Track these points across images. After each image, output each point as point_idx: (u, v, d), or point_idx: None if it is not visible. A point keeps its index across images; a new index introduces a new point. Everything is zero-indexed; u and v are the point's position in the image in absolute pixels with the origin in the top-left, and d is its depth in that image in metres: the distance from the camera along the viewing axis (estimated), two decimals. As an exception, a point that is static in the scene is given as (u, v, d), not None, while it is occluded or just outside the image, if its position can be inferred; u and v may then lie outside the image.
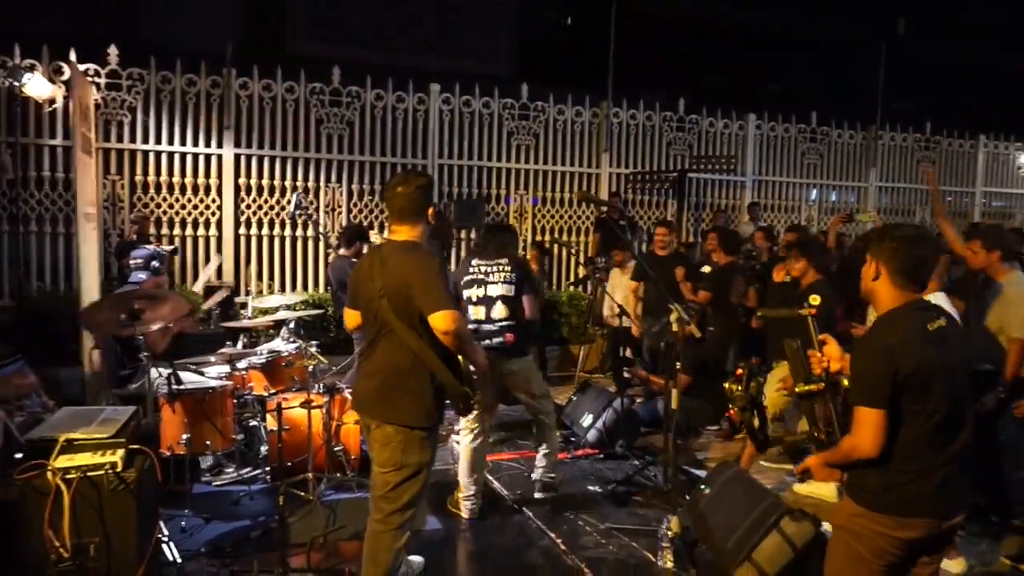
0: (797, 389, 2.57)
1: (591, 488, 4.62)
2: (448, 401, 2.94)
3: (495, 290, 4.22)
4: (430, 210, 2.96)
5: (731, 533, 3.37)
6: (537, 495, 4.40)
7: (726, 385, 2.86)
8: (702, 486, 3.85)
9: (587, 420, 5.38)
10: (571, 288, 8.97)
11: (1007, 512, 4.11)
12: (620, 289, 6.66)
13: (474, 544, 3.93)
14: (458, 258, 8.56)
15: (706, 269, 6.25)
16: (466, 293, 4.29)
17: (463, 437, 4.20)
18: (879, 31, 14.74)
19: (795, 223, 10.03)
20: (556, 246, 8.96)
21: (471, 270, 4.35)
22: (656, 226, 7.03)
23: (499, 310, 4.19)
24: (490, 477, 4.75)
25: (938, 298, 3.37)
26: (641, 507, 4.39)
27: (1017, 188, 12.89)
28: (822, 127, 11.26)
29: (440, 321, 2.71)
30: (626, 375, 6.40)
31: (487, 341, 4.15)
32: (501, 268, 4.25)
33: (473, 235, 9.01)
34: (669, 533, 3.59)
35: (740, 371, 2.82)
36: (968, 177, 12.42)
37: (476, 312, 4.23)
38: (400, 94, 8.77)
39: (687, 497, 3.96)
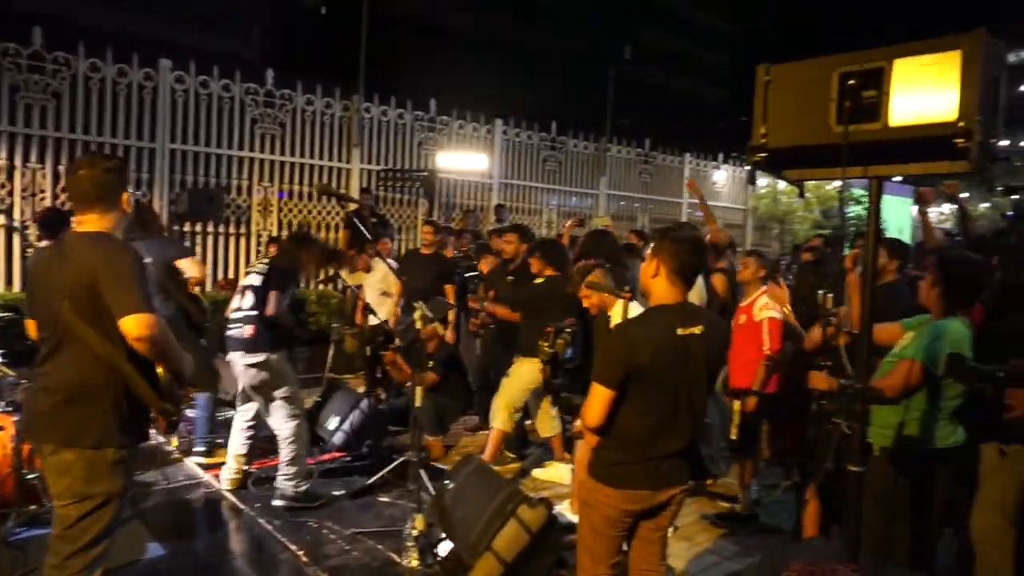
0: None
1: (336, 493, 4.49)
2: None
3: (248, 279, 4.35)
4: (124, 196, 2.51)
5: (473, 525, 3.48)
6: (276, 503, 4.18)
7: (538, 342, 3.17)
8: (446, 481, 3.94)
9: (333, 423, 5.22)
10: (320, 286, 8.67)
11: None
12: (369, 287, 6.56)
13: (207, 566, 3.60)
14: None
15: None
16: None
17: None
18: (609, 54, 16.46)
19: (520, 222, 9.86)
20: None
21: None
22: (424, 224, 7.08)
23: (247, 299, 4.27)
24: (228, 494, 4.41)
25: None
26: (387, 508, 4.37)
27: (714, 201, 15.18)
28: (561, 136, 12.22)
29: (132, 326, 2.26)
30: (378, 375, 6.33)
31: (231, 329, 4.27)
32: (262, 260, 4.44)
33: (210, 228, 8.31)
34: (414, 532, 3.61)
35: (549, 329, 3.16)
36: (676, 189, 14.33)
37: (237, 299, 4.35)
38: (122, 66, 7.76)
39: (432, 493, 4.03)
